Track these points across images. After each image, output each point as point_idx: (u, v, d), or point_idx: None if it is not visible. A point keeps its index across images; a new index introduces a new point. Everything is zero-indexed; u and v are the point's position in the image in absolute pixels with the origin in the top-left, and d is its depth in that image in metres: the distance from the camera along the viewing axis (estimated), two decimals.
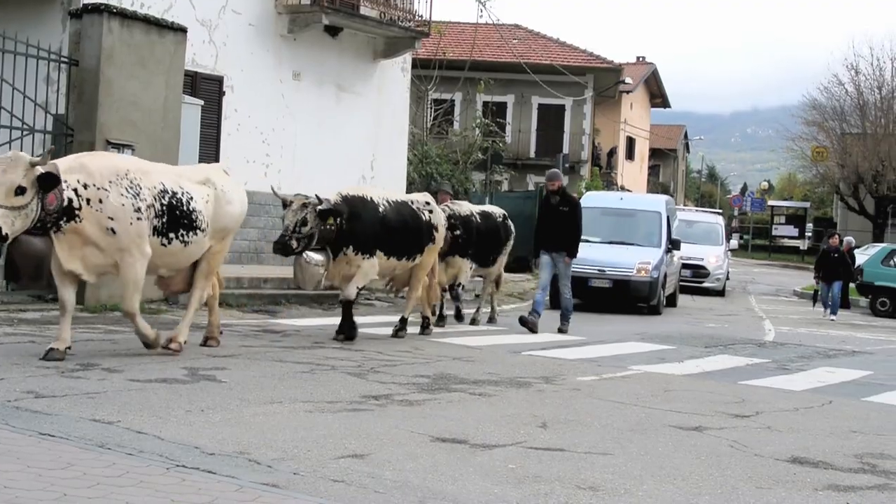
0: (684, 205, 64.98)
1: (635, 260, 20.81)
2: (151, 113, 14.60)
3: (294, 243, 11.50)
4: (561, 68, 38.35)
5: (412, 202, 13.30)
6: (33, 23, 17.12)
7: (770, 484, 6.61)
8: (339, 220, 11.83)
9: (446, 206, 14.85)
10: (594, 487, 6.15)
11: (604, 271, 20.67)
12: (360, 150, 22.23)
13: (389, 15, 22.70)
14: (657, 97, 59.10)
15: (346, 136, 21.70)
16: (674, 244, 22.69)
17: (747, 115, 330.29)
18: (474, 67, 34.49)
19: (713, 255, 30.02)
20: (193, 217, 9.96)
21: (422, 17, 23.53)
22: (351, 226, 11.95)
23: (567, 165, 35.80)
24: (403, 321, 13.34)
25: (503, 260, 16.29)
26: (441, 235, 13.52)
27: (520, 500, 5.80)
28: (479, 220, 15.30)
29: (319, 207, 11.59)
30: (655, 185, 63.49)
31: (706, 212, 37.08)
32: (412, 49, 23.87)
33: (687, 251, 27.75)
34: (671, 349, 14.33)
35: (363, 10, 21.98)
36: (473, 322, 15.98)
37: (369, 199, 12.46)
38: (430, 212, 13.37)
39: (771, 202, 70.12)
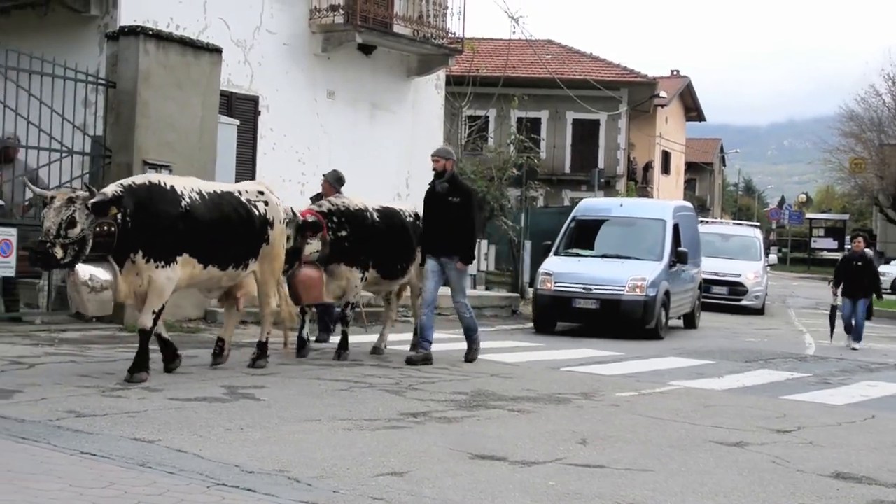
0: (721, 218, 64.67)
1: (627, 276, 17.85)
2: (188, 133, 14.72)
3: (59, 251, 8.76)
4: (595, 83, 38.30)
5: (239, 192, 10.57)
6: (71, 46, 17.28)
7: (813, 500, 6.55)
8: (120, 216, 9.17)
9: (328, 200, 12.20)
10: None
11: (590, 290, 17.74)
12: (395, 167, 22.27)
13: (422, 33, 22.74)
14: (692, 111, 58.94)
15: (381, 153, 21.73)
16: (680, 257, 19.24)
17: (783, 126, 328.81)
18: (508, 83, 34.47)
19: (751, 272, 28.00)
20: None
21: (455, 34, 23.56)
22: (139, 223, 9.30)
23: (602, 180, 35.74)
24: (261, 346, 10.95)
25: (413, 270, 13.01)
26: (277, 233, 10.74)
27: None
28: (376, 218, 12.31)
29: (92, 201, 8.91)
30: (692, 199, 63.22)
31: (743, 225, 36.47)
32: (446, 66, 23.90)
33: (722, 267, 26.77)
34: (710, 364, 14.23)
35: (396, 29, 22.04)
36: (376, 351, 12.78)
37: (167, 187, 9.74)
38: (266, 203, 10.68)
39: (809, 215, 69.69)
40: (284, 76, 20.20)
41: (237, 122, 17.34)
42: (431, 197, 12.55)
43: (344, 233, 11.77)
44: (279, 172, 19.52)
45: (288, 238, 10.95)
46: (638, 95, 43.59)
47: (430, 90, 23.94)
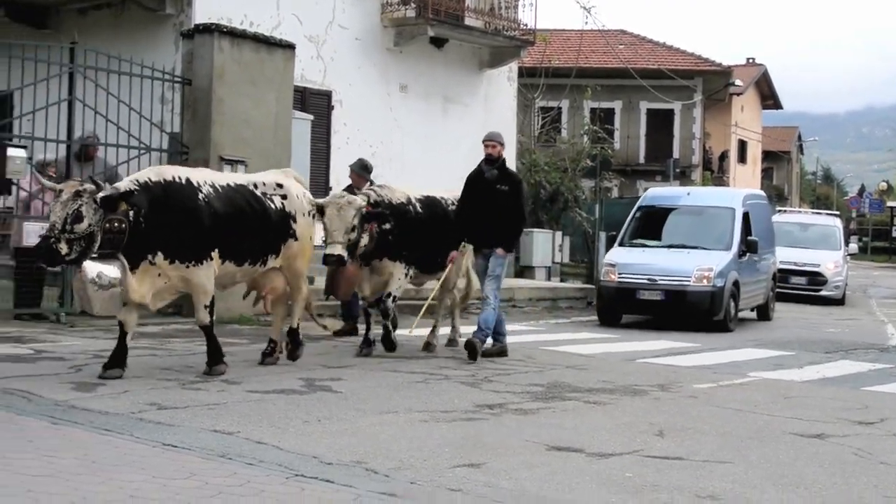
0: (799, 207, 63.77)
1: (694, 266, 17.26)
2: (262, 129, 14.85)
3: (63, 247, 8.33)
4: (669, 72, 37.96)
5: (255, 185, 10.02)
6: (147, 44, 17.55)
7: None
8: (132, 215, 8.69)
9: (372, 190, 11.39)
10: (714, 496, 6.07)
11: (655, 281, 17.21)
12: (467, 160, 22.03)
13: (494, 25, 22.72)
14: (768, 99, 58.14)
15: (454, 146, 21.75)
16: (750, 247, 18.49)
17: (861, 114, 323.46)
18: (581, 74, 34.28)
19: (831, 261, 27.10)
20: None
21: (526, 25, 23.51)
22: (156, 223, 8.82)
23: (677, 170, 35.41)
24: (294, 338, 10.52)
25: (462, 262, 12.27)
26: (303, 228, 10.28)
27: None
28: (419, 209, 11.63)
29: (100, 195, 8.42)
30: (769, 189, 62.38)
31: (822, 214, 35.74)
32: (518, 58, 23.87)
33: (801, 256, 26.08)
34: (789, 355, 14.05)
35: (468, 21, 22.05)
36: (427, 347, 12.14)
37: (183, 181, 9.22)
38: (284, 197, 10.15)
39: (890, 203, 68.34)
40: (357, 71, 20.33)
41: (311, 117, 17.48)
42: (476, 182, 11.75)
43: (388, 226, 11.09)
44: (346, 165, 19.67)
45: (353, 229, 10.46)
46: (713, 84, 43.07)
47: (503, 82, 23.91)
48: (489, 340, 11.80)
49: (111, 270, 9.05)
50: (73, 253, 8.42)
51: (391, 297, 11.42)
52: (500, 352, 11.84)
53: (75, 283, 9.15)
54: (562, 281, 25.01)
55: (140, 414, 7.54)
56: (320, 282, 13.13)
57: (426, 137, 21.44)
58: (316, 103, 19.29)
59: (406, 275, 11.53)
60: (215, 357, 9.47)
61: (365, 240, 10.75)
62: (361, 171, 12.91)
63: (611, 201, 31.77)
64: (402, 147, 20.95)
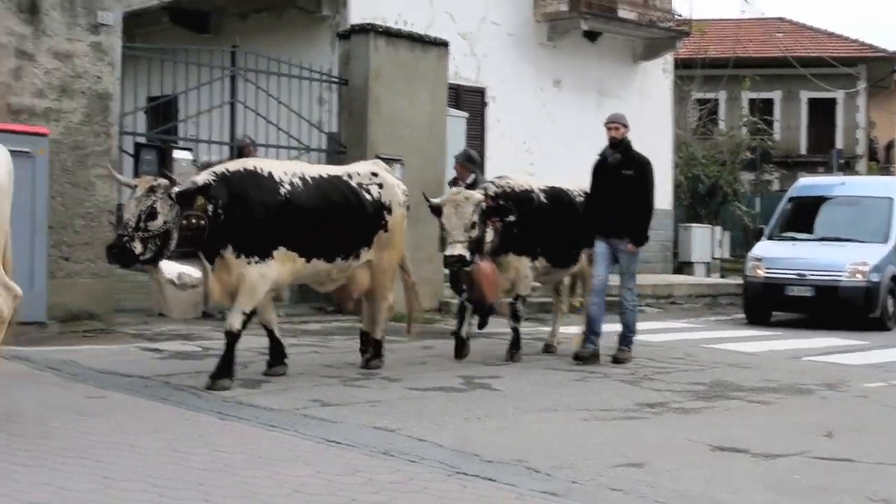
0: None
1: (847, 260, 16.16)
2: (418, 127, 15.01)
3: (138, 246, 7.79)
4: (830, 60, 36.91)
5: (349, 175, 9.44)
6: (304, 46, 17.89)
7: None
8: (211, 209, 8.20)
9: (491, 182, 10.78)
10: (888, 500, 5.88)
11: (804, 276, 16.15)
12: None
13: (648, 16, 22.47)
14: None
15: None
16: None
17: None
18: (738, 64, 33.63)
19: None
20: None
21: (681, 16, 23.22)
22: (231, 215, 8.29)
23: (841, 161, 34.41)
24: (376, 345, 9.85)
25: (585, 257, 11.54)
26: (396, 219, 9.61)
27: None
28: (542, 199, 10.91)
29: (175, 190, 7.92)
30: None
31: None
32: (673, 49, 23.56)
33: None
34: None
35: (622, 14, 21.85)
36: (548, 349, 11.70)
37: (265, 173, 8.69)
38: (380, 186, 9.52)
39: None
40: (510, 67, 20.34)
41: (465, 114, 17.56)
42: (601, 169, 10.95)
43: (511, 218, 10.26)
44: (508, 162, 19.66)
45: (474, 225, 9.81)
46: (877, 71, 41.69)
47: (658, 74, 23.63)
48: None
49: (192, 271, 8.58)
50: (147, 252, 7.88)
51: (520, 299, 10.87)
52: (594, 355, 10.82)
53: (152, 285, 8.62)
54: (721, 277, 24.58)
55: (304, 410, 7.70)
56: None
57: (580, 132, 21.27)
58: (470, 100, 19.37)
59: (533, 268, 10.81)
60: (224, 369, 8.50)
61: (490, 236, 10.16)
62: (466, 161, 12.20)
63: (771, 194, 31.12)
64: (556, 142, 20.87)
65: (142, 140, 13.79)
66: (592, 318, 10.87)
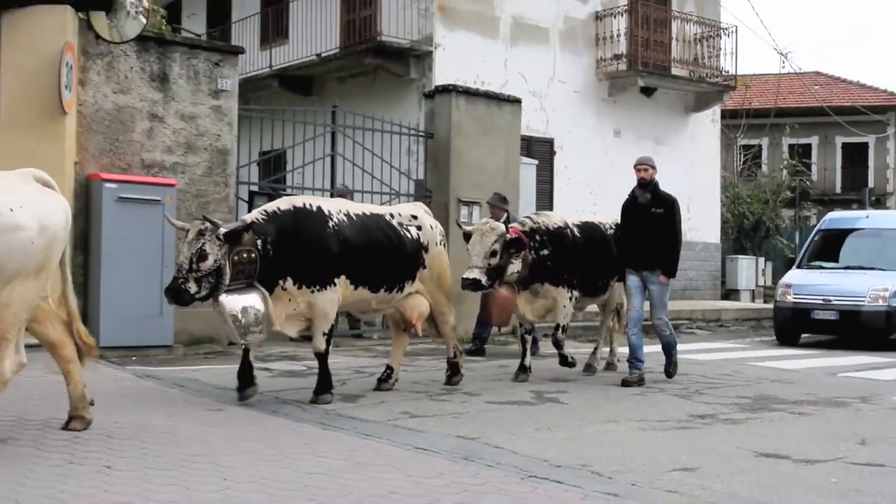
0: None
1: (869, 286, 15.75)
2: (494, 174, 15.04)
3: (192, 286, 7.60)
4: (862, 109, 36.29)
5: (390, 215, 9.24)
6: (395, 105, 18.11)
7: None
8: (260, 244, 7.97)
9: (528, 218, 10.56)
10: None
11: (829, 301, 15.79)
12: (677, 195, 21.83)
13: (698, 73, 22.34)
14: None
15: (663, 184, 21.27)
16: None
17: None
18: (779, 114, 33.26)
19: None
20: None
21: (728, 72, 23.01)
22: (283, 249, 8.10)
23: (873, 198, 33.76)
24: (454, 367, 9.76)
25: (615, 285, 11.22)
26: (433, 257, 9.36)
27: None
28: (577, 234, 10.61)
29: (222, 230, 7.71)
30: None
31: None
32: (720, 102, 23.37)
33: None
34: None
35: (674, 71, 21.76)
36: (589, 369, 11.27)
37: (313, 209, 8.47)
38: (419, 228, 9.31)
39: None
40: (575, 119, 20.37)
41: (536, 161, 17.57)
42: (632, 208, 10.61)
43: (546, 252, 10.15)
44: (574, 205, 19.67)
45: (495, 254, 9.47)
46: None
47: (707, 124, 23.46)
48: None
49: (254, 302, 7.97)
50: (202, 290, 7.67)
51: (560, 329, 10.40)
52: (640, 380, 10.38)
53: (217, 319, 8.20)
54: (765, 302, 24.18)
55: (395, 421, 7.73)
56: None
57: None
58: (540, 149, 19.40)
59: (571, 300, 10.43)
60: (324, 386, 8.55)
61: (516, 266, 9.78)
62: (499, 202, 12.52)
63: (810, 228, 30.56)
64: (616, 185, 20.63)
65: (255, 188, 13.99)
66: (633, 346, 10.42)
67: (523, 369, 10.43)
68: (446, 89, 15.07)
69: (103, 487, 5.32)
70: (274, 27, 21.94)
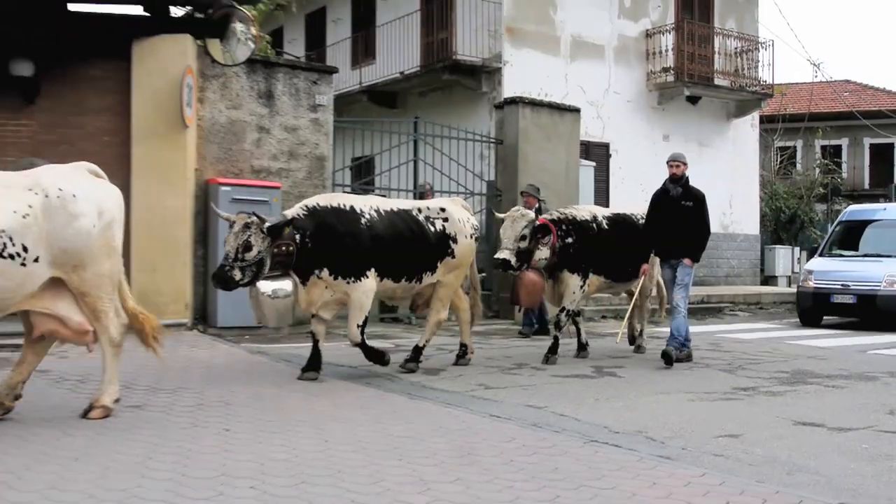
0: None
1: (884, 273, 15.18)
2: (556, 175, 14.96)
3: (237, 274, 7.40)
4: (888, 112, 35.28)
5: (418, 210, 8.78)
6: (468, 115, 18.10)
7: None
8: (298, 238, 7.76)
9: (558, 210, 10.18)
10: None
11: (847, 286, 15.25)
12: (719, 193, 21.57)
13: (738, 83, 21.93)
14: None
15: (708, 182, 20.92)
16: None
17: None
18: (812, 118, 32.48)
19: None
20: None
21: (765, 82, 22.55)
22: (319, 242, 7.83)
23: None
24: (416, 351, 9.01)
25: (653, 272, 10.66)
26: (463, 248, 8.85)
27: (874, 474, 5.40)
28: (604, 225, 10.10)
29: (266, 224, 7.51)
30: None
31: None
32: (759, 108, 22.92)
33: None
34: None
35: (717, 81, 21.39)
36: (639, 350, 10.81)
37: (346, 207, 8.14)
38: (445, 220, 8.82)
39: None
40: (628, 126, 20.14)
41: (594, 163, 17.44)
42: (662, 199, 10.05)
43: (570, 240, 9.72)
44: (627, 201, 19.39)
45: (524, 238, 9.18)
46: None
47: (747, 129, 23.02)
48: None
49: (283, 285, 8.05)
50: (245, 278, 7.47)
51: (564, 311, 9.84)
52: (688, 357, 10.01)
53: (251, 301, 8.05)
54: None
55: (472, 392, 7.75)
56: None
57: None
58: (597, 153, 19.24)
59: (581, 287, 9.84)
60: (377, 358, 8.43)
61: (544, 252, 9.45)
62: (533, 192, 12.35)
63: None
64: None
65: (348, 190, 14.11)
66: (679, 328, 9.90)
67: (582, 347, 10.36)
68: (514, 101, 15.02)
69: (223, 447, 5.43)
70: (363, 49, 22.08)
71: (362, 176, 15.63)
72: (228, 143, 12.26)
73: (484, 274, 13.03)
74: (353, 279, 7.98)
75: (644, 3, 20.62)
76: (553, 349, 9.81)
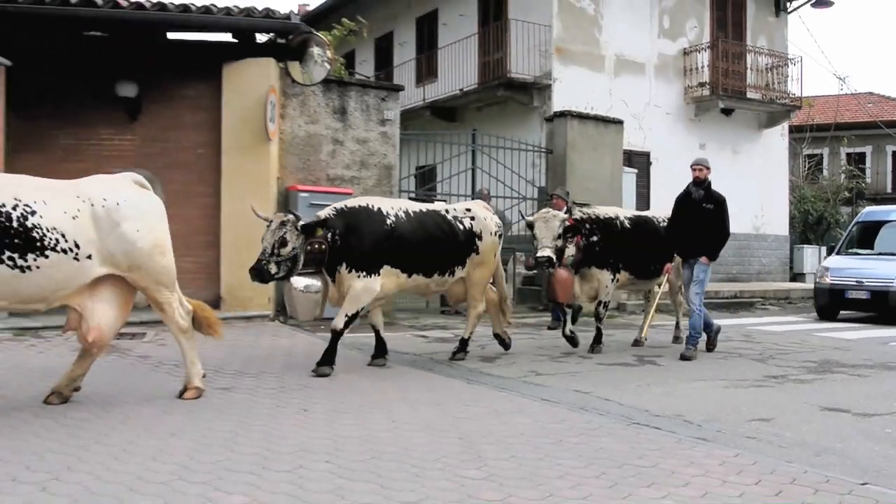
0: None
1: None
2: (601, 182, 14.84)
3: (273, 268, 7.18)
4: None
5: (446, 211, 8.47)
6: (521, 127, 18.02)
7: None
8: (329, 237, 7.49)
9: (581, 210, 9.73)
10: None
11: (861, 283, 14.72)
12: (751, 198, 21.19)
13: (769, 96, 21.50)
14: None
15: (741, 188, 20.71)
16: None
17: None
18: (838, 128, 31.71)
19: None
20: None
21: (794, 94, 22.07)
22: (347, 241, 7.56)
23: None
24: (463, 343, 8.84)
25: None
26: (487, 244, 8.50)
27: None
28: (626, 225, 9.81)
29: (301, 223, 7.31)
30: None
31: None
32: (788, 119, 22.45)
33: None
34: None
35: (749, 95, 21.01)
36: (677, 340, 10.57)
37: (374, 209, 7.80)
38: (472, 219, 8.50)
39: None
40: (667, 136, 19.87)
41: (636, 171, 17.25)
42: (685, 202, 9.59)
43: (595, 238, 9.42)
44: (666, 206, 19.12)
45: (559, 236, 8.93)
46: None
47: (776, 138, 22.56)
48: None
49: (315, 281, 7.91)
50: (280, 272, 7.22)
51: (601, 304, 9.65)
52: (717, 332, 9.87)
53: (286, 295, 7.76)
54: None
55: (524, 378, 7.71)
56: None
57: (719, 181, 20.38)
58: (639, 161, 19.01)
59: (613, 281, 9.58)
60: (327, 358, 7.57)
61: (571, 250, 9.19)
62: (564, 195, 11.85)
63: None
64: None
65: (413, 195, 14.16)
66: (707, 323, 9.64)
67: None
68: (563, 114, 14.93)
69: (302, 425, 5.48)
70: (426, 69, 22.13)
71: (426, 183, 15.67)
72: (307, 154, 12.38)
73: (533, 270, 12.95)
74: (363, 274, 7.57)
75: (681, 23, 20.34)
76: (597, 339, 9.63)
